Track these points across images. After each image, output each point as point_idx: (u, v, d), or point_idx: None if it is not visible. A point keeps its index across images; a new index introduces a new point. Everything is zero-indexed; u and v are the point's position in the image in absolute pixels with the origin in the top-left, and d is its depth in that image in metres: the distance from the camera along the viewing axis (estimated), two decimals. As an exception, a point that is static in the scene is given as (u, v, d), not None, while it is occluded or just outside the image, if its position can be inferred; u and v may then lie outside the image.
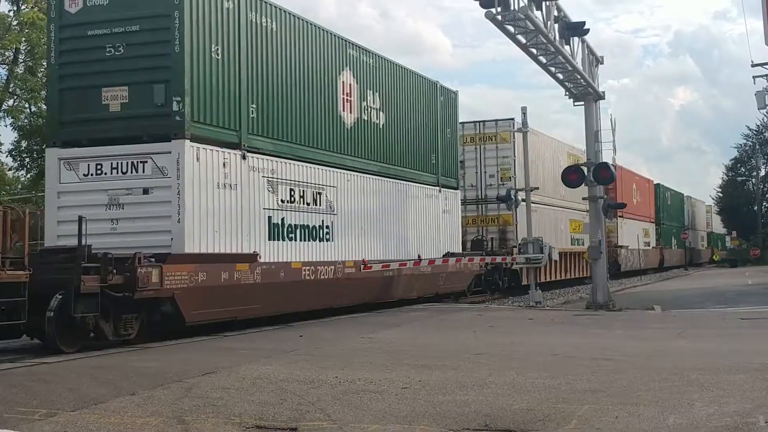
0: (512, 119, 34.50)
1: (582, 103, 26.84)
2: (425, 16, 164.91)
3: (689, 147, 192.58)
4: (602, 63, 27.79)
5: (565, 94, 26.82)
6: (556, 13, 22.65)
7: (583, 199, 27.48)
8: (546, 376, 10.79)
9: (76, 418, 8.55)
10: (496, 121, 35.22)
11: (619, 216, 49.18)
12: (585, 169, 26.18)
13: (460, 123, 33.05)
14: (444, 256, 27.34)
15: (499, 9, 19.62)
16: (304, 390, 9.90)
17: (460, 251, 29.56)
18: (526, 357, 13.26)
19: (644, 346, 14.88)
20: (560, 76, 25.42)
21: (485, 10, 19.59)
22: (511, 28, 21.00)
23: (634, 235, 55.25)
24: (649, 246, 60.83)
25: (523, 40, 22.02)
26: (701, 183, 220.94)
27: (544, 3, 21.28)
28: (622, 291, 36.44)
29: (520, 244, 28.58)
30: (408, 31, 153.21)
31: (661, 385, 10.01)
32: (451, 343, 15.73)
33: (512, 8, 19.78)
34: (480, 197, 34.83)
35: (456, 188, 29.98)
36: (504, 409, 8.69)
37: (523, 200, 29.30)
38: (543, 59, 23.86)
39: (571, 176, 26.68)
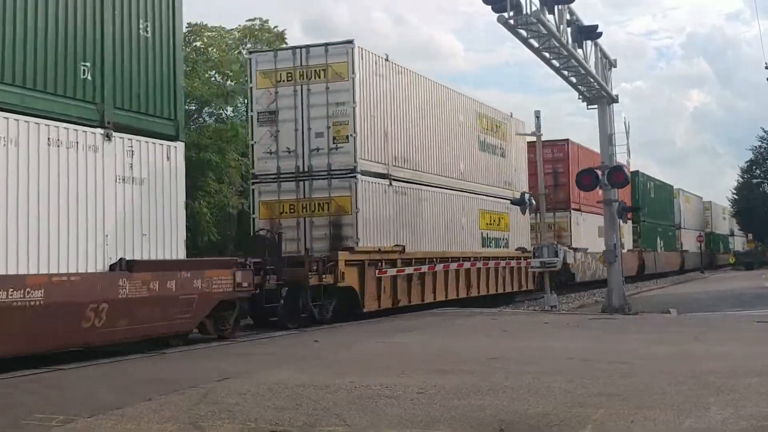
0: (350, 42, 22.88)
1: (596, 106, 26.80)
2: (437, 20, 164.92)
3: (704, 149, 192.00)
4: (615, 66, 27.76)
5: (579, 98, 26.80)
6: (568, 17, 22.64)
7: (598, 202, 27.30)
8: (561, 380, 10.78)
9: (94, 424, 8.60)
10: (326, 45, 23.05)
11: (574, 209, 40.55)
12: (599, 172, 26.09)
13: (272, 51, 24.92)
14: (112, 267, 14.67)
15: (511, 13, 19.60)
16: (320, 395, 9.93)
17: (184, 257, 16.66)
18: (541, 361, 13.25)
19: (660, 349, 14.85)
20: (573, 79, 25.40)
21: (498, 15, 19.59)
22: (523, 33, 20.99)
23: (596, 234, 42.55)
24: (623, 249, 48.98)
25: (536, 44, 22.01)
26: (717, 186, 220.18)
27: (556, 7, 21.27)
28: (638, 294, 36.39)
29: (534, 248, 28.26)
30: (420, 35, 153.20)
31: (676, 389, 9.99)
32: (466, 347, 15.73)
33: (524, 12, 19.78)
34: (302, 169, 22.81)
35: (173, 138, 16.57)
36: (520, 414, 8.70)
37: (536, 204, 29.20)
38: (556, 63, 23.85)
39: (585, 179, 26.62)
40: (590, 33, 24.41)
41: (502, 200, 32.40)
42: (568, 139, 41.03)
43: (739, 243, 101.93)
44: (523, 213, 30.67)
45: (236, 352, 15.43)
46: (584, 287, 40.50)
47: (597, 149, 45.35)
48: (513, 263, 32.69)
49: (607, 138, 26.45)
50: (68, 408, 9.43)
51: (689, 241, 72.27)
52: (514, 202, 29.99)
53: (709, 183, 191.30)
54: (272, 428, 8.25)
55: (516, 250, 33.61)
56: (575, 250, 38.90)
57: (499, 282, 31.25)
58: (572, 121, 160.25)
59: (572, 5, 22.39)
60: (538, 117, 29.27)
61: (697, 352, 14.37)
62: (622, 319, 22.57)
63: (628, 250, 49.04)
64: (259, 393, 10.16)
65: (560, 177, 40.36)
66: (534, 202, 29.30)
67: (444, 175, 27.98)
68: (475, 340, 17.11)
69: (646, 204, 56.08)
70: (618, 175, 25.59)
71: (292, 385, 10.74)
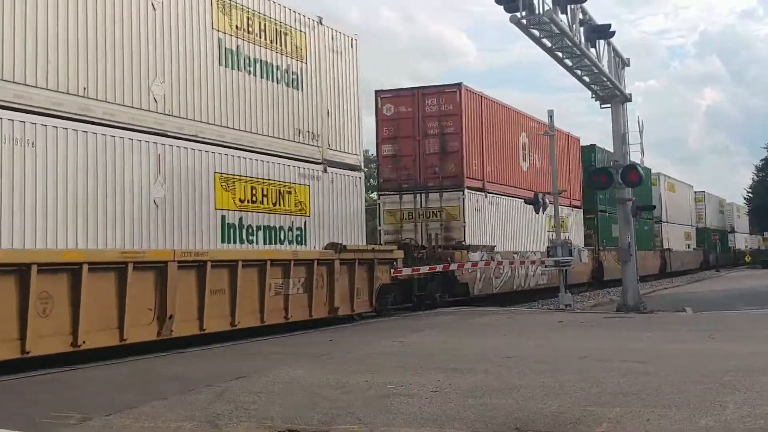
0: None
1: (609, 105, 26.73)
2: (449, 20, 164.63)
3: (716, 148, 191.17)
4: (628, 65, 27.66)
5: (592, 97, 26.71)
6: (581, 16, 22.60)
7: (619, 202, 26.59)
8: (576, 379, 10.77)
9: (111, 422, 8.63)
10: None
11: (471, 188, 28.81)
12: (613, 171, 26.01)
13: None
14: None
15: (524, 13, 19.61)
16: (335, 394, 9.95)
17: None
18: (556, 360, 13.23)
19: (675, 348, 14.82)
20: (586, 78, 25.35)
21: (510, 15, 19.57)
22: (536, 32, 20.97)
23: (521, 227, 33.08)
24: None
25: (549, 44, 21.98)
26: (731, 184, 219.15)
27: (569, 6, 21.25)
28: (653, 293, 36.23)
29: (549, 247, 28.04)
30: (431, 35, 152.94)
31: (692, 387, 9.96)
32: (480, 346, 15.71)
33: (537, 12, 19.76)
34: None
35: None
36: (535, 413, 8.69)
37: (551, 203, 29.11)
38: (569, 62, 23.79)
39: (600, 178, 26.56)
40: (603, 32, 24.34)
41: (289, 162, 19.94)
42: (461, 84, 28.92)
43: (741, 240, 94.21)
44: (537, 212, 30.05)
45: (251, 350, 15.47)
46: (495, 302, 29.12)
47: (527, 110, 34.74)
48: (313, 270, 19.51)
49: (620, 137, 26.38)
50: (85, 407, 9.47)
51: (675, 239, 61.00)
52: (527, 201, 29.59)
53: (724, 182, 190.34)
54: (288, 427, 8.27)
55: (326, 248, 20.67)
56: (468, 248, 27.65)
57: (268, 304, 18.04)
58: (585, 121, 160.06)
59: (584, 4, 22.37)
60: (551, 116, 29.20)
61: (712, 351, 14.32)
62: (637, 317, 22.49)
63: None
64: (274, 391, 10.19)
65: (449, 140, 28.62)
66: (548, 201, 29.15)
67: (80, 96, 14.75)
68: (490, 339, 17.09)
69: (611, 190, 37.99)
70: (632, 174, 25.51)
71: (307, 383, 10.77)
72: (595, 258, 40.32)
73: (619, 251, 27.05)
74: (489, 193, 30.38)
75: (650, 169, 53.25)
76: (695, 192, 73.23)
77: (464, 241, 27.91)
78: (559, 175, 30.91)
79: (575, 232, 38.56)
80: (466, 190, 28.33)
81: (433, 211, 28.10)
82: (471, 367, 12.18)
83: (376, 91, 29.60)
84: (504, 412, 8.74)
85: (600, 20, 24.27)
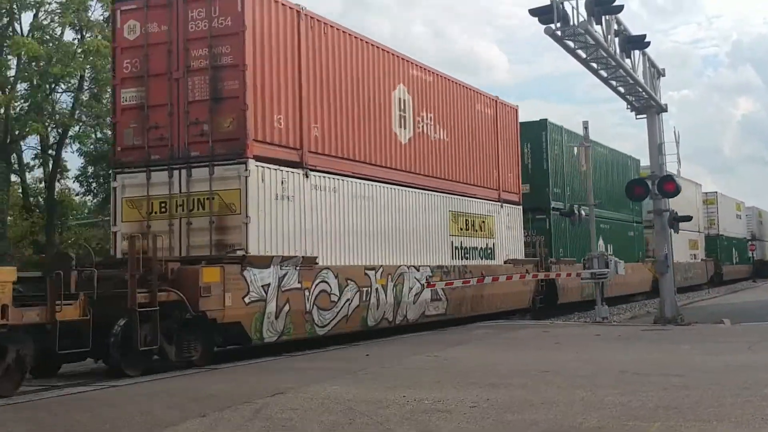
0: None
1: (644, 116, 26.58)
2: (480, 33, 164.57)
3: (753, 157, 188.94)
4: (664, 75, 27.48)
5: (627, 108, 26.58)
6: (615, 27, 22.50)
7: (649, 212, 26.45)
8: (615, 393, 10.68)
9: (149, 440, 8.69)
10: None
11: (288, 165, 17.74)
12: (649, 182, 25.85)
13: None
14: None
15: (558, 24, 19.56)
16: (372, 410, 9.92)
17: None
18: (594, 374, 13.14)
19: (714, 360, 14.66)
20: (621, 89, 25.24)
21: (545, 26, 19.54)
22: (570, 44, 20.91)
23: (393, 230, 21.49)
24: (489, 260, 26.47)
25: (584, 55, 21.90)
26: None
27: (603, 17, 21.17)
28: (690, 305, 35.91)
29: (585, 260, 27.80)
30: (462, 48, 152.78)
31: (732, 401, 9.85)
32: (517, 360, 15.65)
33: (572, 23, 19.72)
34: None
35: None
36: (574, 428, 8.62)
37: (586, 215, 28.93)
38: (604, 73, 23.71)
39: (636, 190, 26.38)
40: (638, 43, 24.23)
41: None
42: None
43: (767, 249, 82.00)
44: (573, 225, 29.77)
45: (289, 366, 15.49)
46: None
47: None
48: None
49: (656, 148, 26.19)
50: (123, 426, 9.52)
51: (675, 248, 40.44)
52: (563, 214, 29.30)
53: (760, 191, 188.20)
54: (326, 443, 8.27)
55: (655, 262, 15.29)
56: (242, 261, 16.22)
57: None
58: (619, 132, 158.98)
59: (619, 15, 22.27)
60: (586, 128, 29.09)
61: (752, 363, 14.16)
62: (675, 330, 22.29)
63: (508, 261, 27.36)
64: (311, 408, 10.19)
65: (225, 77, 17.06)
66: (583, 213, 28.91)
67: None
68: (527, 353, 17.01)
69: (571, 180, 33.04)
70: (668, 185, 25.33)
71: (343, 399, 10.76)
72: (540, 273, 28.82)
73: (655, 264, 26.83)
74: (314, 170, 18.72)
75: (639, 160, 42.75)
76: (705, 193, 59.77)
77: (245, 248, 16.54)
78: (482, 157, 25.85)
79: (508, 237, 27.98)
80: (251, 162, 16.76)
81: (199, 199, 16.98)
82: (508, 382, 12.13)
83: (114, 1, 18.61)
84: (543, 427, 8.70)
85: (633, 30, 24.18)
